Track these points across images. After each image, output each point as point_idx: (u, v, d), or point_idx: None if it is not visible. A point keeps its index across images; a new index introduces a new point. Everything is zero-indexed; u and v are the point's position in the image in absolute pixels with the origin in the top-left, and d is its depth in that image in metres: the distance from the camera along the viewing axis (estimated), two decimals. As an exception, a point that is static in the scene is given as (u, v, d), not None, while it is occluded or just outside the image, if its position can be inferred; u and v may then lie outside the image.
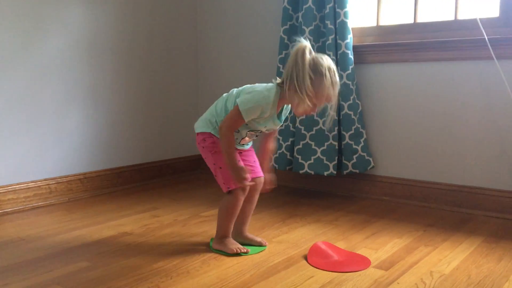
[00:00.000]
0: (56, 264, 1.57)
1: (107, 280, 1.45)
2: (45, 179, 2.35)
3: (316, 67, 1.48)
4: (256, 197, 1.75)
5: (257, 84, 1.62)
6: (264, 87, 1.57)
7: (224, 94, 1.69)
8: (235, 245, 1.67)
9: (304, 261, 1.59)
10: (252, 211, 1.77)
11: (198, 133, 1.68)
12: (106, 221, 2.05)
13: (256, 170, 1.71)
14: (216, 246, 1.69)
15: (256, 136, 1.68)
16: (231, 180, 1.60)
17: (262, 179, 1.73)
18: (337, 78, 1.52)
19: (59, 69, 2.38)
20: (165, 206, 2.30)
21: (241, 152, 1.69)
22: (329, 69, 1.49)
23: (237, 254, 1.64)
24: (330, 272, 1.50)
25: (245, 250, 1.66)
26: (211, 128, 1.64)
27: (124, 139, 2.71)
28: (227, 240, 1.69)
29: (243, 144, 1.69)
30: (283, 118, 1.65)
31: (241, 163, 1.59)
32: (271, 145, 1.75)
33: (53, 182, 2.37)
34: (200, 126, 1.68)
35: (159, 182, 2.85)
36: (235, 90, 1.65)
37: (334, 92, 1.51)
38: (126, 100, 2.70)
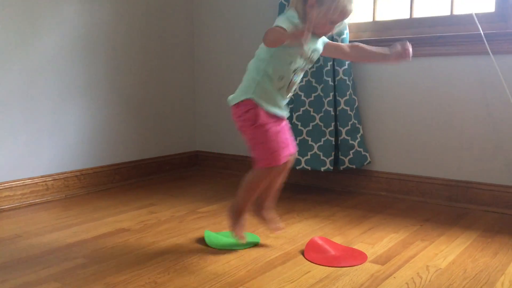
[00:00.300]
0: (53, 260, 1.58)
1: (104, 276, 1.45)
2: (42, 176, 2.35)
3: None
4: (286, 172, 1.68)
5: None
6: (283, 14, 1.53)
7: (251, 61, 1.61)
8: (240, 232, 1.65)
9: (301, 256, 1.60)
10: (278, 186, 1.70)
11: (237, 105, 1.56)
12: (103, 218, 2.05)
13: (290, 147, 1.62)
14: (229, 215, 1.67)
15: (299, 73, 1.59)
16: (268, 158, 1.54)
17: (293, 158, 1.67)
18: None
19: (54, 66, 2.37)
20: (162, 202, 2.30)
21: (279, 125, 1.58)
22: None
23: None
24: (327, 267, 1.50)
25: (244, 241, 1.66)
26: (252, 91, 1.53)
27: (121, 136, 2.71)
28: (241, 219, 1.65)
29: (287, 94, 1.58)
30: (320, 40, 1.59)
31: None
32: (350, 47, 1.65)
33: (50, 179, 2.37)
34: (239, 95, 1.56)
35: (156, 178, 2.85)
36: (256, 52, 1.59)
37: (351, 5, 1.48)
38: (123, 97, 2.70)
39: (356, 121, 2.38)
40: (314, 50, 1.57)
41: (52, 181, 2.38)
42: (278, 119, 1.58)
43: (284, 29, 1.41)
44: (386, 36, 2.36)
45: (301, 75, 1.60)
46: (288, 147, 1.61)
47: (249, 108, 1.54)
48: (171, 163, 3.00)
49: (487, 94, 2.12)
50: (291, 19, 1.48)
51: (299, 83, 1.62)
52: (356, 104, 2.38)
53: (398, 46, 1.58)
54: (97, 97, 2.57)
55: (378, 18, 2.43)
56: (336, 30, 1.55)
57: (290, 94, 1.61)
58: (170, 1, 2.92)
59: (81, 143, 2.51)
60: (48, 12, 2.32)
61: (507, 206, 2.08)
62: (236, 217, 1.66)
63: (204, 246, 1.70)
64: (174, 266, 1.52)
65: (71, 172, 2.46)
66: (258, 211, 1.73)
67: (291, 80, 1.56)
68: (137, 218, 2.05)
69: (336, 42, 1.66)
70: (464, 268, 1.50)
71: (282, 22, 1.46)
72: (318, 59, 2.40)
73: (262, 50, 1.56)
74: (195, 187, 2.63)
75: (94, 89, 2.55)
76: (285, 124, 1.63)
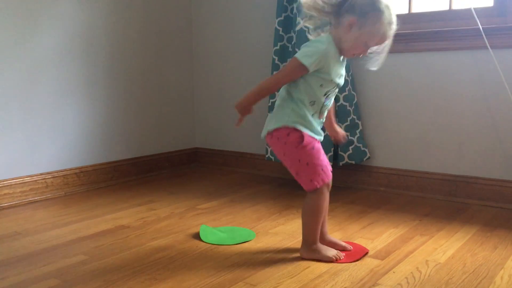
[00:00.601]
0: (53, 257, 1.58)
1: (104, 273, 1.45)
2: (41, 174, 2.35)
3: (373, 3, 1.40)
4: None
5: None
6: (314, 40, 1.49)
7: (282, 87, 1.55)
8: (331, 251, 1.53)
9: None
10: (327, 209, 1.60)
11: (277, 130, 1.50)
12: (103, 215, 2.05)
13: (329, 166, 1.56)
14: (307, 255, 1.54)
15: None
16: (318, 177, 1.47)
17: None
18: (395, 18, 1.43)
19: (54, 63, 2.37)
20: (161, 199, 2.31)
21: (319, 144, 1.54)
22: (387, 6, 1.40)
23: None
24: (326, 263, 1.50)
25: (342, 256, 1.53)
26: (287, 118, 1.48)
27: (120, 133, 2.71)
28: (318, 246, 1.54)
29: (320, 119, 1.54)
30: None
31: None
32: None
33: (49, 177, 2.37)
34: (274, 122, 1.51)
35: (156, 175, 2.85)
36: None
37: (391, 31, 1.42)
38: (122, 94, 2.69)
39: (355, 117, 2.38)
40: (341, 75, 1.52)
41: (51, 179, 2.38)
42: (317, 140, 1.53)
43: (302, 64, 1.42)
44: (384, 31, 2.35)
45: (332, 99, 1.55)
46: (328, 164, 1.56)
47: (289, 131, 1.48)
48: (170, 160, 3.00)
49: (486, 88, 2.11)
50: (320, 45, 1.44)
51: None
52: (355, 99, 2.38)
53: (339, 134, 1.68)
54: (96, 94, 2.57)
55: (376, 14, 2.42)
56: (368, 53, 1.50)
57: (322, 119, 1.55)
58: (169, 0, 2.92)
59: (80, 141, 2.51)
60: (47, 10, 2.32)
61: (506, 200, 2.09)
62: (315, 249, 1.54)
63: (204, 243, 1.70)
64: (174, 263, 1.52)
65: (70, 169, 2.46)
66: (321, 239, 1.60)
67: (323, 104, 1.51)
68: (136, 215, 2.05)
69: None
70: (464, 263, 1.50)
71: (309, 52, 1.43)
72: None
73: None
74: (195, 184, 2.63)
75: (93, 87, 2.55)
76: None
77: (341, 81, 1.53)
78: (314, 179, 1.49)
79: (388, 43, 1.47)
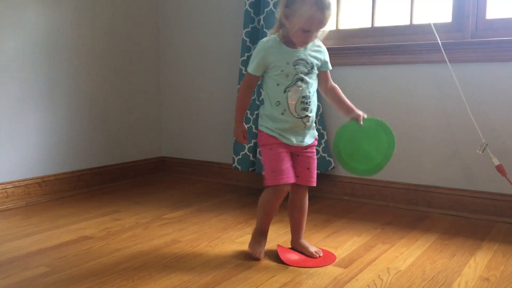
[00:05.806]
0: (14, 270, 1.54)
1: (66, 285, 1.43)
2: (2, 183, 2.28)
3: None
4: (303, 203, 1.71)
5: None
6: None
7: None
8: (258, 249, 1.65)
9: (266, 261, 1.61)
10: (302, 218, 1.71)
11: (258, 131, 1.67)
12: (66, 225, 2.02)
13: (306, 178, 1.65)
14: (251, 239, 1.70)
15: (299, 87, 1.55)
16: (269, 177, 1.59)
17: (307, 188, 1.70)
18: (323, 1, 1.45)
19: (15, 69, 2.32)
20: (126, 209, 2.28)
21: (297, 155, 1.62)
22: None
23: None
24: (291, 271, 1.52)
25: (260, 257, 1.63)
26: (260, 123, 1.64)
27: (84, 141, 2.66)
28: (259, 238, 1.68)
29: (296, 116, 1.55)
30: (308, 51, 1.57)
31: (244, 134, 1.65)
32: (330, 85, 1.66)
33: (10, 186, 2.31)
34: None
35: (121, 185, 2.81)
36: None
37: (320, 13, 1.44)
38: (86, 101, 2.66)
39: (320, 127, 2.42)
40: (299, 62, 1.55)
41: (12, 189, 2.32)
42: (287, 145, 1.59)
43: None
44: (348, 44, 2.42)
45: (298, 93, 1.54)
46: (300, 176, 1.64)
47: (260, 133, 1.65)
48: (137, 169, 2.97)
49: (444, 101, 2.19)
50: (261, 46, 1.56)
51: (305, 100, 1.56)
52: (321, 110, 2.42)
53: (358, 113, 1.63)
54: (59, 101, 2.52)
55: (341, 27, 2.48)
56: (314, 38, 1.53)
57: (303, 115, 1.56)
58: (135, 5, 2.90)
59: (42, 149, 2.46)
60: (9, 15, 2.27)
61: (464, 209, 2.16)
62: (255, 238, 1.69)
63: (169, 253, 1.69)
64: (139, 274, 1.51)
65: (32, 179, 2.41)
66: (293, 243, 1.73)
67: (287, 101, 1.54)
68: (100, 225, 2.02)
69: (327, 75, 1.65)
70: (423, 270, 1.54)
71: (252, 58, 1.58)
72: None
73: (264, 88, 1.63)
74: (161, 193, 2.61)
75: (56, 94, 2.51)
76: (306, 151, 1.63)
77: (298, 69, 1.54)
78: (265, 178, 1.60)
79: (324, 25, 1.50)
